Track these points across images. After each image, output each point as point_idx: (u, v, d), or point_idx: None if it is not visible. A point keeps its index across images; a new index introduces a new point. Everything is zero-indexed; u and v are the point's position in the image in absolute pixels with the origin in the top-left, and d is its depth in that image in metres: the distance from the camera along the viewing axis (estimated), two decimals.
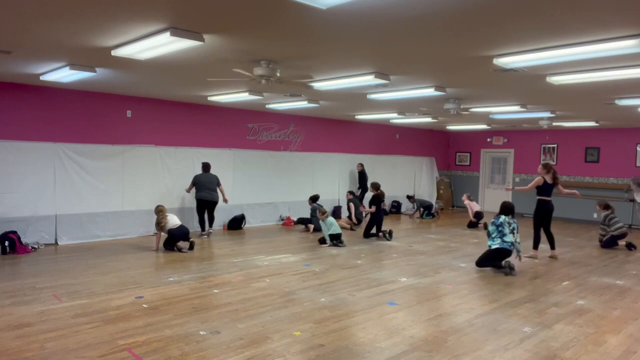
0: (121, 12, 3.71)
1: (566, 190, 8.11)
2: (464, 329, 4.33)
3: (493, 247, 6.66)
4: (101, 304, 4.76)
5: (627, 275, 6.64)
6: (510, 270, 6.43)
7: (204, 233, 8.92)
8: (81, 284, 5.47)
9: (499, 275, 6.39)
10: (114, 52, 4.85)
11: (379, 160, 13.27)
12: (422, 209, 12.82)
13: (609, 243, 8.73)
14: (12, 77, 6.99)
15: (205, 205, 8.87)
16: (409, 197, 13.29)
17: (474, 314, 4.77)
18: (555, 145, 13.33)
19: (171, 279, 5.81)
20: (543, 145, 13.56)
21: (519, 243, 6.73)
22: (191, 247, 7.57)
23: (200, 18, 3.79)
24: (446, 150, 15.94)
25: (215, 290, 5.35)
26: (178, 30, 4.05)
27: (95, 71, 6.06)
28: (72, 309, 4.60)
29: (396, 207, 13.34)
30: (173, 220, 7.56)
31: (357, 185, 12.31)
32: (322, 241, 8.40)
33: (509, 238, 6.60)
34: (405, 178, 14.12)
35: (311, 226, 9.78)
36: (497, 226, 6.69)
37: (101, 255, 7.09)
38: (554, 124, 11.00)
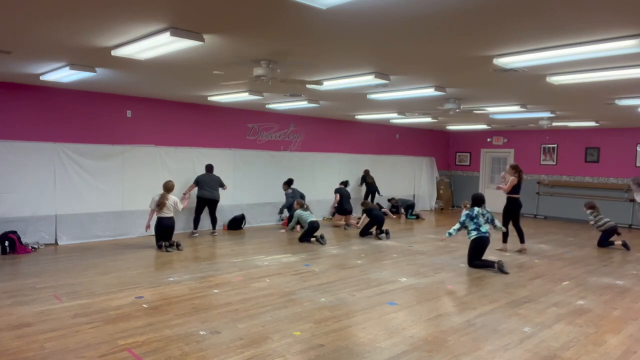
0: (121, 12, 3.71)
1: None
2: (464, 329, 4.33)
3: (471, 238, 6.83)
4: (101, 304, 4.76)
5: (627, 275, 6.64)
6: (501, 268, 6.55)
7: (195, 232, 8.92)
8: (81, 284, 5.47)
9: (499, 275, 6.39)
10: (114, 52, 4.85)
11: (379, 160, 13.27)
12: (403, 209, 12.81)
13: (603, 242, 8.80)
14: (12, 77, 6.99)
15: (206, 203, 8.89)
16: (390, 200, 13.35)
17: (474, 314, 4.77)
18: (555, 145, 13.33)
19: (171, 279, 5.81)
20: (543, 145, 13.56)
21: (500, 227, 7.31)
22: (178, 247, 7.56)
23: (200, 18, 3.79)
24: (446, 150, 15.93)
25: (215, 290, 5.35)
26: (178, 30, 4.05)
27: (95, 71, 6.06)
28: (72, 309, 4.60)
29: (396, 207, 13.31)
30: (169, 208, 7.56)
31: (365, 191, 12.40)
32: (303, 238, 8.51)
33: (485, 228, 6.84)
34: (405, 178, 14.11)
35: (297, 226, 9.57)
36: (472, 218, 6.85)
37: (101, 255, 7.09)
38: (554, 124, 10.99)
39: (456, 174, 15.80)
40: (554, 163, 13.35)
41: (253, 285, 5.62)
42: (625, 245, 8.56)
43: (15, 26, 4.19)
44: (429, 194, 14.83)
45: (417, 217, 12.60)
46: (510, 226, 8.11)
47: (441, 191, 15.16)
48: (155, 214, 7.53)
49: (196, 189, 8.89)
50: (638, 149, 11.88)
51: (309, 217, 8.69)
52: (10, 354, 3.55)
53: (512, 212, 8.08)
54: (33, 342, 3.78)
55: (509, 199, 8.08)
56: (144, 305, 4.76)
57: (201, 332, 4.07)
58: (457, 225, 6.94)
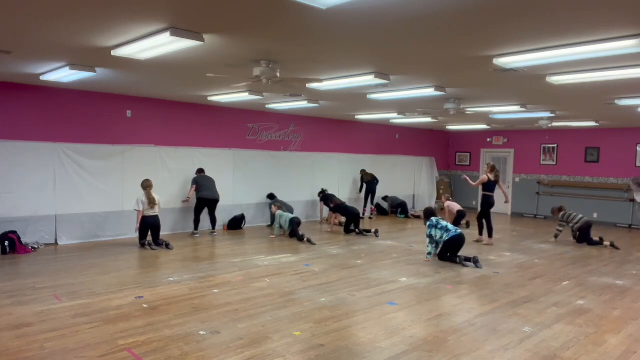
0: (121, 12, 3.70)
1: (503, 188, 9.08)
2: (464, 329, 4.33)
3: (445, 239, 7.04)
4: (101, 304, 4.76)
5: (627, 275, 6.64)
6: (471, 262, 6.84)
7: (196, 233, 8.93)
8: (81, 284, 5.47)
9: (499, 275, 6.40)
10: (114, 52, 4.85)
11: (379, 160, 13.27)
12: (394, 208, 12.81)
13: (589, 240, 8.91)
14: (12, 77, 6.99)
15: (207, 203, 8.90)
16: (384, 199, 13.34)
17: (474, 314, 4.77)
18: (555, 145, 13.33)
19: (171, 279, 5.81)
20: (543, 145, 13.56)
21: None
22: (167, 247, 7.60)
23: (200, 18, 3.79)
24: (446, 150, 15.93)
25: (215, 290, 5.35)
26: (178, 30, 4.05)
27: (95, 71, 6.06)
28: (72, 309, 4.61)
29: (396, 207, 13.28)
30: (158, 205, 7.59)
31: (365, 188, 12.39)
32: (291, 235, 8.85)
33: (452, 227, 7.19)
34: (405, 178, 14.11)
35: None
36: (435, 226, 7.13)
37: (101, 255, 7.09)
38: (554, 124, 10.99)
39: (456, 174, 15.78)
40: (554, 163, 13.34)
41: (253, 285, 5.62)
42: (602, 243, 8.74)
43: (15, 26, 4.19)
44: (429, 194, 14.83)
45: (419, 217, 12.52)
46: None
47: (441, 191, 15.11)
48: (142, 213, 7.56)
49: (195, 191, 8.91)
50: (638, 149, 11.88)
51: (289, 216, 8.93)
52: (10, 354, 3.56)
53: (485, 208, 8.71)
54: (33, 342, 3.78)
55: (483, 196, 8.76)
56: (144, 305, 4.76)
57: (201, 332, 4.07)
58: (428, 241, 7.19)
